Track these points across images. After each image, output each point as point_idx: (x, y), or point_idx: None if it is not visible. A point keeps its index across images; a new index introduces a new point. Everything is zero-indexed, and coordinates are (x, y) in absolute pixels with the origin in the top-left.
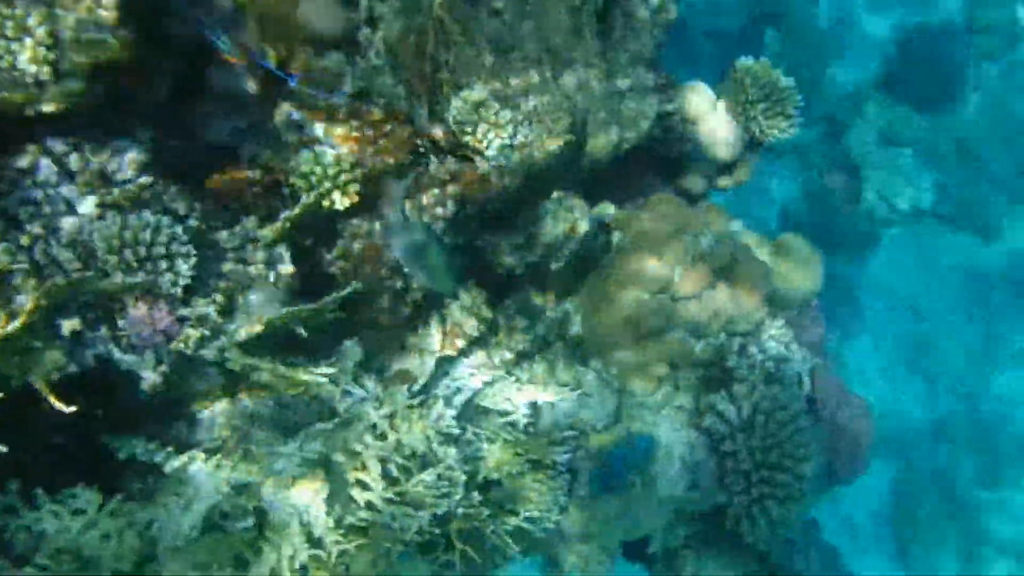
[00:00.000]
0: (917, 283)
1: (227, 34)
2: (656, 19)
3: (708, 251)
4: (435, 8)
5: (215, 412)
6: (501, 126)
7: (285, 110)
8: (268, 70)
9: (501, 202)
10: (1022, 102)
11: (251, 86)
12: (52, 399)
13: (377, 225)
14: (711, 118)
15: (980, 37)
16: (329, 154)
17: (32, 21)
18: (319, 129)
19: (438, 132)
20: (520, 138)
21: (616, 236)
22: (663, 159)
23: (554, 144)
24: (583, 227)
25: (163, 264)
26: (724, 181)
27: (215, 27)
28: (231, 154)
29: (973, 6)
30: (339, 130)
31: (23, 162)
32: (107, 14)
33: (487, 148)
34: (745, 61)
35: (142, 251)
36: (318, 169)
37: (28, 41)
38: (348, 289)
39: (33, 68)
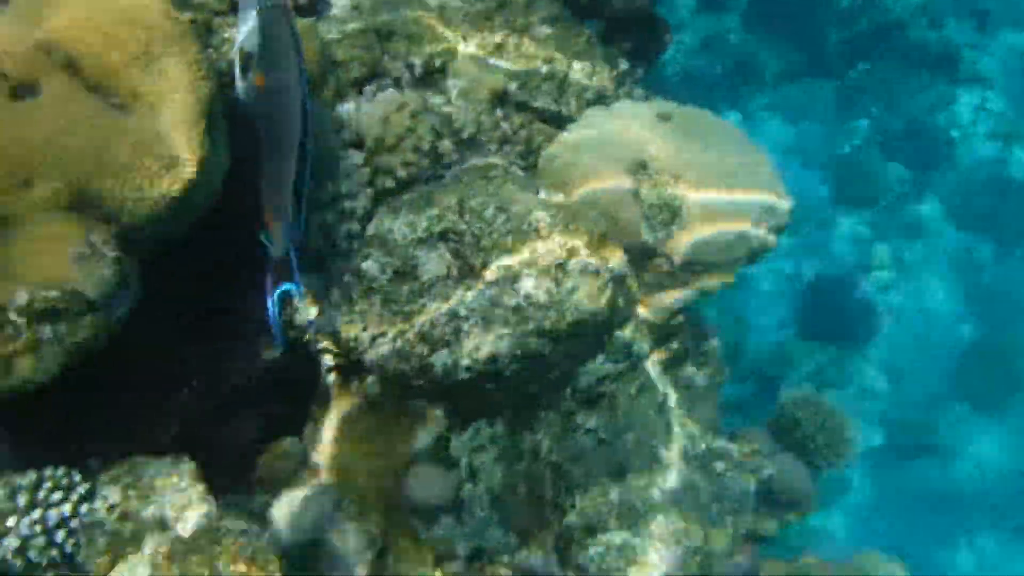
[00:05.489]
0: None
1: None
2: (713, 382)
3: None
4: (546, 454)
5: None
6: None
7: None
8: None
9: None
10: (932, 325)
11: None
12: None
13: None
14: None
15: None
16: None
17: None
18: None
19: None
20: (665, 568)
21: None
22: None
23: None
24: None
25: None
26: (792, 516)
27: None
28: None
29: (862, 246)
30: None
31: None
32: None
33: None
34: (790, 392)
35: None
36: None
37: None
38: None
39: None
